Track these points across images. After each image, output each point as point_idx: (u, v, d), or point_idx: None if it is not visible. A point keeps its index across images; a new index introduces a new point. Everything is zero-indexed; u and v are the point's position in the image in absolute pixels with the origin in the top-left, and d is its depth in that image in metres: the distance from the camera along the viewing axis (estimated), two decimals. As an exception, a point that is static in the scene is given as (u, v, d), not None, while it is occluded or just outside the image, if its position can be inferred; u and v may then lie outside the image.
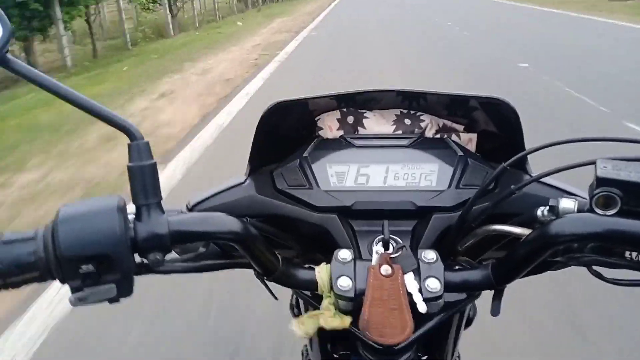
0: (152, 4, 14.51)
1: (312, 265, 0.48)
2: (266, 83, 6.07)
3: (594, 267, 0.45)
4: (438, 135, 0.61)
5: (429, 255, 0.46)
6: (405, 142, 0.58)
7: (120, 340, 1.77)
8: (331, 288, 0.45)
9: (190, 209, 0.54)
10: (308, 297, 0.51)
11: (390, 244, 0.50)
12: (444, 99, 0.58)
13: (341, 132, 0.61)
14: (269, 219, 0.55)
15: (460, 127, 0.61)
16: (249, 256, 0.45)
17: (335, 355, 0.56)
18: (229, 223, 0.43)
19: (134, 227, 0.40)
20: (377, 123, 0.61)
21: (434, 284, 0.44)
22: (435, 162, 0.56)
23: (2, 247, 0.38)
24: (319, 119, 0.61)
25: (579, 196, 0.48)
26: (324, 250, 0.51)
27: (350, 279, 0.45)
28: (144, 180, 0.41)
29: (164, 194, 0.43)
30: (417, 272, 0.45)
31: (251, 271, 0.49)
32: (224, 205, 0.55)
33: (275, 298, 0.58)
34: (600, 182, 0.40)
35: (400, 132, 0.61)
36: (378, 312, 0.43)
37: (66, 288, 0.39)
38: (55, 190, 3.21)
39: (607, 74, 5.75)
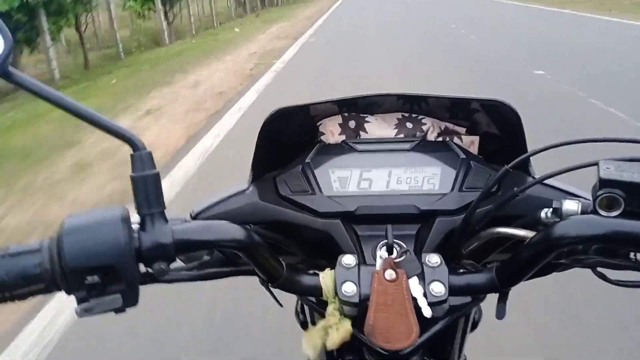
0: (146, 11, 14.05)
1: (316, 271, 0.47)
2: (261, 95, 5.75)
3: (598, 269, 0.45)
4: (440, 138, 0.61)
5: (433, 259, 0.46)
6: (407, 145, 0.58)
7: (126, 347, 1.76)
8: (336, 294, 0.45)
9: (194, 217, 0.54)
10: (313, 303, 0.51)
11: (394, 249, 0.50)
12: (445, 101, 0.58)
13: (343, 137, 0.61)
14: (273, 226, 0.55)
15: (462, 130, 0.61)
16: (253, 263, 0.45)
17: None
18: (233, 231, 0.43)
19: (139, 237, 0.40)
20: (378, 127, 0.61)
21: (438, 288, 0.44)
22: (437, 165, 0.56)
23: (8, 259, 0.38)
24: (320, 124, 0.61)
25: (583, 197, 0.48)
26: (327, 255, 0.51)
27: (355, 284, 0.45)
28: (147, 190, 0.41)
29: None
30: (421, 277, 0.45)
31: (255, 278, 0.49)
32: (227, 212, 0.55)
33: (280, 305, 0.58)
34: (604, 183, 0.40)
35: (402, 135, 0.61)
36: (383, 317, 0.43)
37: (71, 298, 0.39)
38: (8, 238, 2.72)
39: (610, 72, 5.73)
